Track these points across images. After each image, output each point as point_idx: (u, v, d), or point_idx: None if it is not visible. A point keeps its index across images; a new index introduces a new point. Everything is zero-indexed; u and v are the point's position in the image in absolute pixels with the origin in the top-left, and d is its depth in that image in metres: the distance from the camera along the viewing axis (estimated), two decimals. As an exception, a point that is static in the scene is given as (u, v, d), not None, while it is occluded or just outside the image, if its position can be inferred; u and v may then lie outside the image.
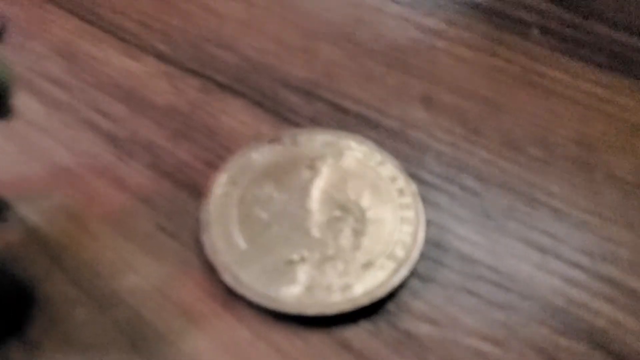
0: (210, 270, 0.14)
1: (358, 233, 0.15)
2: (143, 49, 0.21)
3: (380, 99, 0.19)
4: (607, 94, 0.20)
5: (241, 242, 0.14)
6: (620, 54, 0.21)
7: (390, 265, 0.14)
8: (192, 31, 0.21)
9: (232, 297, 0.14)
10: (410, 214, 0.15)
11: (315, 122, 0.18)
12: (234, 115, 0.18)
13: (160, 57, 0.20)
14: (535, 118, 0.19)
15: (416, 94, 0.19)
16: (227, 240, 0.14)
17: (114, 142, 0.17)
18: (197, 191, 0.16)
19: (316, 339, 0.13)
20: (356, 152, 0.17)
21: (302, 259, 0.14)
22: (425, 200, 0.16)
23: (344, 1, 0.23)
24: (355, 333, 0.13)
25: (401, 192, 0.16)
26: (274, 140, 0.17)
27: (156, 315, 0.14)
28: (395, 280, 0.14)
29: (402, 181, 0.16)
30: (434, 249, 0.15)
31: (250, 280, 0.14)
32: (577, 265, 0.15)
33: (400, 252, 0.14)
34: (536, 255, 0.15)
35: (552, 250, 0.15)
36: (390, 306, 0.14)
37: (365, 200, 0.15)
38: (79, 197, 0.16)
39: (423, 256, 0.15)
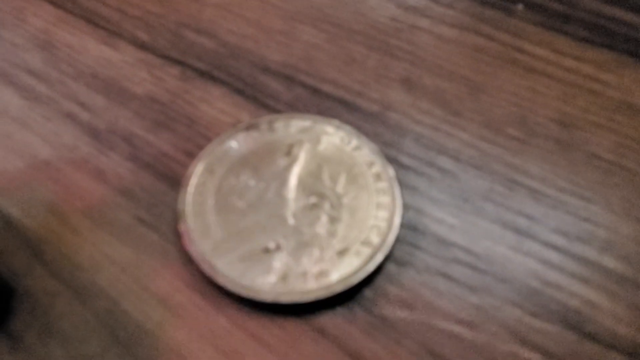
0: (188, 260, 0.14)
1: (334, 220, 0.15)
2: (121, 37, 0.20)
3: (360, 82, 0.19)
4: (590, 70, 0.19)
5: (218, 232, 0.15)
6: (606, 27, 0.20)
7: (366, 251, 0.14)
8: (170, 17, 0.21)
9: (209, 287, 0.14)
10: (386, 199, 0.15)
11: (295, 107, 0.18)
12: (213, 103, 0.18)
13: (138, 44, 0.20)
14: (516, 97, 0.18)
15: (396, 76, 0.19)
16: (203, 230, 0.15)
17: (94, 133, 0.18)
18: (176, 182, 0.16)
19: (292, 326, 0.14)
20: (333, 137, 0.17)
21: (278, 247, 0.14)
22: (403, 184, 0.16)
23: (324, -19, 0.22)
24: (331, 319, 0.14)
25: (378, 177, 0.16)
26: (251, 127, 0.17)
27: (135, 306, 0.14)
28: (371, 266, 0.14)
29: (379, 166, 0.16)
30: (411, 232, 0.15)
31: (227, 270, 0.14)
32: (552, 246, 0.15)
33: (375, 238, 0.14)
34: (512, 237, 0.15)
35: (528, 231, 0.15)
36: (366, 292, 0.14)
37: (342, 186, 0.16)
38: (58, 190, 0.16)
39: (399, 240, 0.15)
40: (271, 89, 0.19)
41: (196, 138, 0.17)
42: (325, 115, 0.18)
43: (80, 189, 0.16)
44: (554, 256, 0.15)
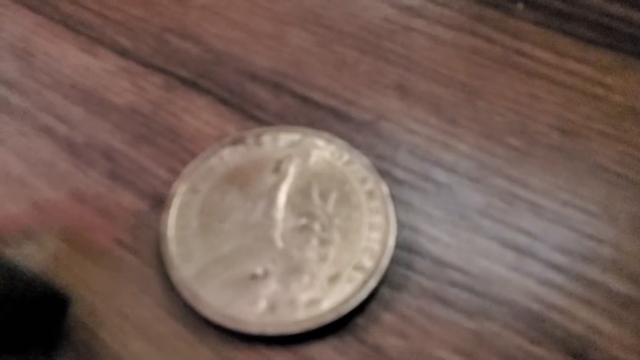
0: (170, 287, 0.14)
1: (324, 242, 0.14)
2: (102, 43, 0.20)
3: (352, 89, 0.18)
4: (594, 73, 0.18)
5: (201, 257, 0.14)
6: (610, 27, 0.20)
7: (358, 277, 0.13)
8: (153, 21, 0.20)
9: (192, 316, 0.13)
10: (379, 219, 0.14)
11: (283, 118, 0.17)
12: (198, 114, 0.17)
13: (120, 52, 0.19)
14: (516, 104, 0.18)
15: (390, 82, 0.18)
16: (186, 254, 0.14)
17: (71, 149, 0.17)
18: (158, 201, 0.15)
19: (280, 357, 0.13)
20: (324, 151, 0.16)
21: (266, 273, 0.14)
22: (396, 199, 0.15)
23: (315, -20, 0.21)
24: (322, 350, 0.13)
25: (371, 194, 0.15)
26: (237, 141, 0.16)
27: (114, 336, 0.13)
28: (363, 293, 0.13)
29: (371, 182, 0.15)
30: (405, 253, 0.14)
31: (211, 298, 0.13)
32: (554, 266, 0.14)
33: (368, 262, 0.14)
34: (511, 256, 0.14)
35: (529, 249, 0.15)
36: (359, 319, 0.13)
37: (333, 206, 0.15)
38: (33, 211, 0.15)
39: (393, 262, 0.14)
40: (258, 98, 0.18)
41: (180, 153, 0.17)
42: (315, 126, 0.17)
43: (56, 210, 0.15)
44: (555, 276, 0.14)
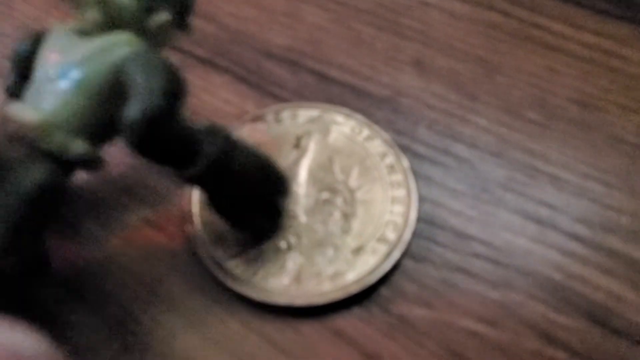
0: (197, 262, 0.14)
1: (347, 216, 0.14)
2: (117, 24, 0.19)
3: (369, 65, 0.18)
4: (611, 46, 0.18)
5: (226, 232, 0.14)
6: (627, -1, 0.19)
7: (382, 249, 0.14)
8: (168, 0, 0.20)
9: (221, 290, 0.14)
10: (401, 192, 0.15)
11: (302, 95, 0.17)
12: (216, 93, 0.18)
13: (135, 31, 0.19)
14: (534, 78, 0.18)
15: (407, 58, 0.18)
16: (212, 230, 0.14)
17: (93, 129, 0.17)
18: (181, 178, 0.16)
19: (308, 328, 0.13)
20: (343, 127, 0.16)
21: (290, 247, 0.14)
22: (417, 174, 0.15)
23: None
24: (348, 320, 0.13)
25: (392, 168, 0.15)
26: (257, 118, 0.16)
27: (145, 312, 0.13)
28: (387, 265, 0.13)
29: (392, 157, 0.15)
30: (428, 226, 0.15)
31: (238, 272, 0.13)
32: (575, 237, 0.14)
33: (391, 235, 0.14)
34: (533, 228, 0.15)
35: (550, 221, 0.15)
36: (383, 290, 0.14)
37: (355, 180, 0.15)
38: (59, 191, 0.15)
39: (416, 235, 0.14)
40: (276, 76, 0.18)
41: (200, 131, 0.17)
42: (333, 103, 0.17)
43: (83, 190, 0.15)
44: (577, 247, 0.14)
